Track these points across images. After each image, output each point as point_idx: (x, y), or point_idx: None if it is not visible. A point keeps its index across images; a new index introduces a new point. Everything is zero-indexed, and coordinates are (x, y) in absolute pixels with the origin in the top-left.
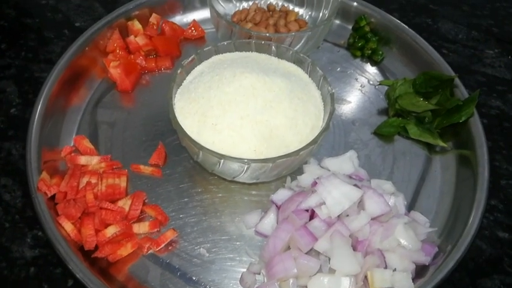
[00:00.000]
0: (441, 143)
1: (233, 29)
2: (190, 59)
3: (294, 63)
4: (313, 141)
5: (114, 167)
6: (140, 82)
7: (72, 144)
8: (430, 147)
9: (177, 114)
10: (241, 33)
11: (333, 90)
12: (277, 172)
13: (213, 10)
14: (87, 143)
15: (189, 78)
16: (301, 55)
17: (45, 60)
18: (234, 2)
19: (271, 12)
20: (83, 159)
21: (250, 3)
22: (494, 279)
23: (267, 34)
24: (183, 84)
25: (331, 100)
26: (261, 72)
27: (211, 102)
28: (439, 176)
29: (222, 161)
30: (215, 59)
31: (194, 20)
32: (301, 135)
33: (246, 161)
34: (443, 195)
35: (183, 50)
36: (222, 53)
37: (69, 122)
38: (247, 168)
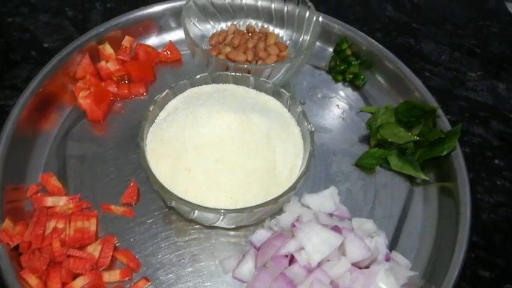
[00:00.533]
0: (423, 176)
1: (209, 59)
2: (164, 94)
3: (272, 95)
4: (292, 187)
5: (84, 207)
6: (112, 109)
7: (39, 181)
8: (411, 179)
9: (148, 158)
10: (218, 63)
11: (313, 128)
12: (255, 218)
13: (188, 37)
14: (54, 181)
15: (162, 114)
16: (281, 89)
17: (10, 86)
18: (212, 23)
19: (250, 34)
20: (49, 201)
21: (229, 23)
22: None
23: (245, 66)
24: (155, 121)
25: (311, 138)
26: (239, 111)
27: (185, 145)
28: (421, 210)
29: (196, 210)
30: (190, 92)
31: (170, 42)
32: (279, 178)
33: (222, 211)
34: (426, 231)
35: (158, 73)
36: (197, 86)
37: (36, 156)
38: (223, 218)
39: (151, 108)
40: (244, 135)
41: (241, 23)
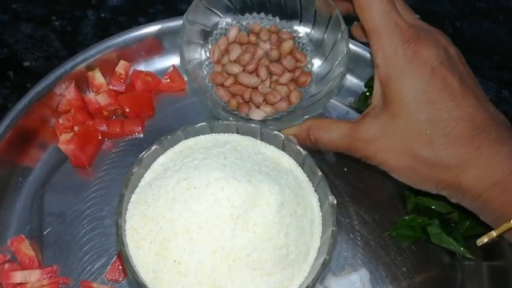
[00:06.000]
0: (468, 255)
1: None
2: (151, 149)
3: (283, 149)
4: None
5: (60, 283)
6: (101, 150)
7: (7, 244)
8: (453, 253)
9: (127, 241)
10: (237, 118)
11: (335, 201)
12: None
13: (196, 84)
14: (26, 249)
15: (147, 176)
16: (296, 146)
17: None
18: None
19: (258, 37)
20: (19, 276)
21: (229, 19)
22: None
23: (269, 119)
24: (139, 185)
25: (332, 216)
26: (243, 178)
27: (174, 226)
28: None
29: None
30: (183, 146)
31: (174, 67)
32: (292, 269)
33: None
34: None
35: (157, 105)
36: (193, 137)
37: (7, 210)
38: None
39: (134, 171)
40: (250, 215)
41: (243, 21)
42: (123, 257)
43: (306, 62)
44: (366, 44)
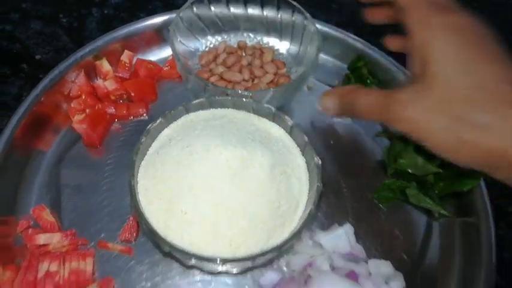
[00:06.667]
0: (442, 211)
1: (205, 86)
2: (157, 122)
3: (274, 121)
4: (297, 233)
5: (79, 244)
6: (110, 130)
7: (30, 213)
8: (430, 213)
9: (140, 198)
10: (216, 90)
11: (320, 162)
12: (260, 263)
13: (180, 63)
14: (47, 216)
15: (154, 145)
16: (284, 116)
17: None
18: (200, 38)
19: (243, 50)
20: (42, 239)
21: (219, 38)
22: None
23: (246, 93)
24: (147, 153)
25: (318, 174)
26: (239, 144)
27: (181, 185)
28: (440, 248)
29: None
30: (185, 119)
31: (173, 56)
32: (284, 218)
33: (218, 262)
34: (445, 273)
35: (160, 91)
36: (194, 111)
37: (27, 185)
38: (224, 265)
39: (142, 140)
40: (246, 175)
41: (231, 35)
42: (137, 212)
43: (285, 69)
44: (347, 25)
